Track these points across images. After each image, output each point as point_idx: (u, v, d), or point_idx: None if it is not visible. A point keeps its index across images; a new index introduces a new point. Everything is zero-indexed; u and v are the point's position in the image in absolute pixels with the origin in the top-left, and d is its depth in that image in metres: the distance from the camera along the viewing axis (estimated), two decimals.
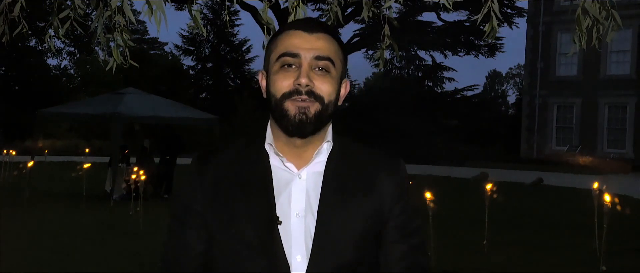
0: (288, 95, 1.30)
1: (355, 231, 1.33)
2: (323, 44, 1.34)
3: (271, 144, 1.37)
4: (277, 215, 1.31)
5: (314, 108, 1.31)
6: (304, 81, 1.29)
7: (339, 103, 1.39)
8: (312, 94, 1.30)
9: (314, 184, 1.35)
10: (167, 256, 1.41)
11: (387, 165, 1.42)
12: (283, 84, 1.31)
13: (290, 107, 1.30)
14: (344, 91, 1.41)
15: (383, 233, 1.38)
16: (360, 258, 1.33)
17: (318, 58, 1.32)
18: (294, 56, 1.32)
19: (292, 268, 1.30)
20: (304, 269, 1.30)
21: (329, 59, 1.33)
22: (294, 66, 1.32)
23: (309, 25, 1.35)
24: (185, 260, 1.37)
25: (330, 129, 1.39)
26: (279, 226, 1.31)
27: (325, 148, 1.37)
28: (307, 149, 1.36)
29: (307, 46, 1.32)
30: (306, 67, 1.31)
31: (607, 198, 6.53)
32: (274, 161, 1.37)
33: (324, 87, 1.32)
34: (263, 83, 1.39)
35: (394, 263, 1.38)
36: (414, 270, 1.40)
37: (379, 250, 1.38)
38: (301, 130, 1.31)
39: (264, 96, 1.38)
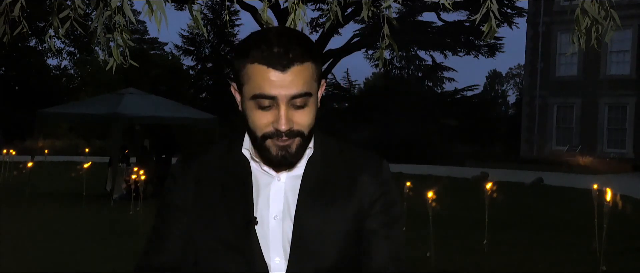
0: (268, 136, 1.28)
1: (336, 234, 1.33)
2: (299, 79, 1.26)
3: (248, 150, 1.37)
4: (255, 216, 1.32)
5: (295, 143, 1.29)
6: (283, 127, 1.25)
7: (318, 106, 1.37)
8: (292, 133, 1.27)
9: (292, 187, 1.35)
10: (146, 254, 1.42)
11: (369, 166, 1.41)
12: (262, 122, 1.27)
13: (272, 145, 1.28)
14: (321, 91, 1.38)
15: (363, 230, 1.37)
16: (343, 260, 1.33)
17: (295, 97, 1.26)
18: (270, 97, 1.25)
19: (272, 270, 1.31)
20: (283, 270, 1.31)
21: (307, 94, 1.27)
22: (270, 106, 1.26)
23: (281, 62, 1.24)
24: (163, 259, 1.38)
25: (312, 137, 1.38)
26: (256, 227, 1.31)
27: (307, 153, 1.36)
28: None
29: (283, 84, 1.24)
30: (284, 109, 1.26)
31: (608, 197, 6.53)
32: (253, 163, 1.37)
33: (304, 121, 1.29)
34: (237, 97, 1.35)
35: (373, 258, 1.37)
36: (393, 263, 1.38)
37: (359, 247, 1.37)
38: (284, 164, 1.31)
39: (239, 108, 1.34)
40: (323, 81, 1.38)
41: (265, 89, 1.25)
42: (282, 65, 1.24)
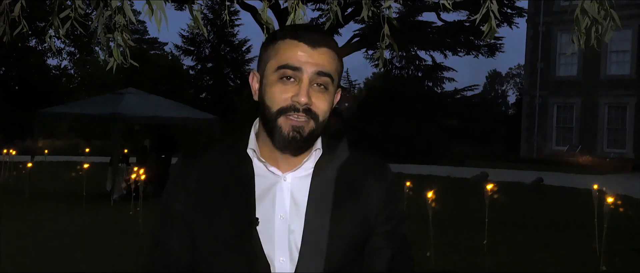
0: (284, 110, 1.28)
1: (343, 237, 1.33)
2: (326, 59, 1.31)
3: (254, 150, 1.36)
4: (257, 216, 1.31)
5: (308, 126, 1.29)
6: (303, 99, 1.26)
7: (333, 104, 1.38)
8: (309, 112, 1.28)
9: (299, 188, 1.34)
10: (150, 257, 1.41)
11: (375, 171, 1.42)
12: (280, 97, 1.28)
13: (284, 123, 1.28)
14: (336, 99, 1.39)
15: (369, 239, 1.38)
16: (347, 263, 1.34)
17: (320, 74, 1.29)
18: (296, 69, 1.28)
19: (276, 269, 1.30)
20: (289, 270, 1.30)
21: (329, 75, 1.30)
22: (293, 79, 1.29)
23: (312, 40, 1.30)
24: (167, 262, 1.37)
25: (319, 137, 1.38)
26: (260, 227, 1.30)
27: (314, 155, 1.37)
28: (295, 157, 1.35)
29: (310, 60, 1.29)
30: (306, 82, 1.28)
31: (609, 199, 6.54)
32: (258, 163, 1.36)
33: (322, 105, 1.30)
34: (255, 85, 1.37)
35: (379, 267, 1.38)
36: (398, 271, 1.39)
37: (364, 257, 1.38)
38: (293, 148, 1.31)
39: (255, 98, 1.37)
40: (339, 90, 1.40)
41: (292, 60, 1.29)
42: (312, 42, 1.30)
